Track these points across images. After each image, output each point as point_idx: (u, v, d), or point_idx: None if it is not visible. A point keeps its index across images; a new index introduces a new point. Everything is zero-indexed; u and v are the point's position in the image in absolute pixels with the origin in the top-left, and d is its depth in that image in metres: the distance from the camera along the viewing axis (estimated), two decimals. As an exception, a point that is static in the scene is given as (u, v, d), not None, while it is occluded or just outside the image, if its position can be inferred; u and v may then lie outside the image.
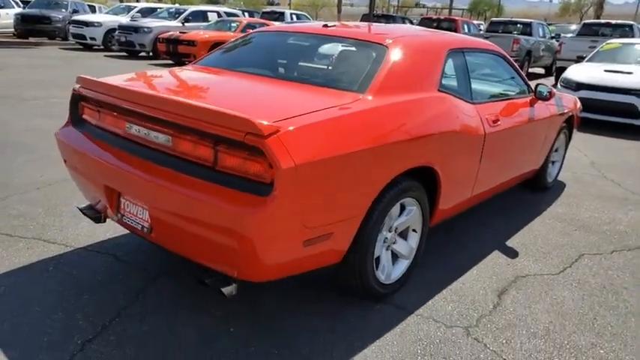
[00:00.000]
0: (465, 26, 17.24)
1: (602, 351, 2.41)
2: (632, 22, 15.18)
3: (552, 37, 16.64)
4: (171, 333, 2.36)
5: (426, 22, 17.40)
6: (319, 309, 2.60)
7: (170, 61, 14.20)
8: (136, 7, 18.59)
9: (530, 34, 15.31)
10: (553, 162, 4.74)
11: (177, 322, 2.44)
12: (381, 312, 2.61)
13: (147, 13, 17.54)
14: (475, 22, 20.86)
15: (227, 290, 2.15)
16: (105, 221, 2.82)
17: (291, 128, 2.00)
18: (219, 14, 16.90)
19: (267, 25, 15.72)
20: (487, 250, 3.42)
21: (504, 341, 2.44)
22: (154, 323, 2.42)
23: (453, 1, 34.38)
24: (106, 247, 3.15)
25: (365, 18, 19.69)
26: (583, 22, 15.85)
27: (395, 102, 2.50)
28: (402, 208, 2.67)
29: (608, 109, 7.87)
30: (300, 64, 3.06)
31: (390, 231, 2.64)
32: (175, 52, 13.63)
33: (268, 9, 24.30)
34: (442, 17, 19.46)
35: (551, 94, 3.82)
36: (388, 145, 2.33)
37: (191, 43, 13.33)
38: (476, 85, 3.27)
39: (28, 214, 3.53)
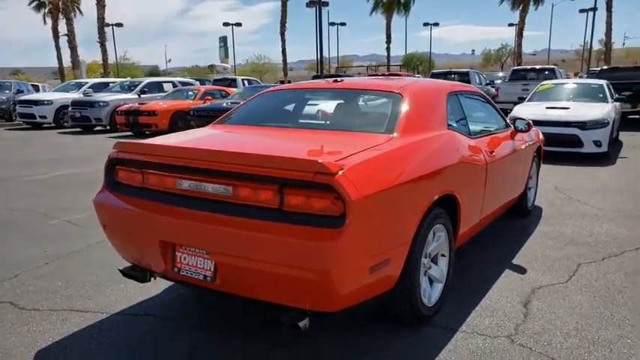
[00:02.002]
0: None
1: (629, 340, 2.69)
2: (553, 66, 16.88)
3: (487, 84, 18.11)
4: (242, 376, 2.43)
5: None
6: (373, 341, 2.75)
7: (130, 133, 14.21)
8: (87, 82, 18.57)
9: (468, 82, 16.60)
10: (529, 188, 5.20)
11: (244, 366, 2.51)
12: (429, 334, 2.79)
13: (99, 88, 17.58)
14: (416, 74, 22.36)
15: (302, 324, 2.28)
16: (150, 280, 2.88)
17: (351, 165, 2.24)
18: (174, 84, 17.21)
19: (226, 92, 16.18)
20: (498, 270, 3.70)
21: (545, 343, 2.67)
22: (222, 370, 2.48)
23: (389, 59, 36.75)
24: (142, 309, 3.17)
25: (315, 78, 20.61)
26: (512, 68, 17.42)
27: (419, 140, 2.82)
28: (433, 234, 2.92)
29: (555, 140, 8.62)
30: (325, 114, 3.35)
31: (425, 257, 2.87)
32: (136, 123, 13.69)
33: (219, 76, 24.92)
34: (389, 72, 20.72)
35: (529, 127, 4.30)
36: (425, 176, 2.62)
37: (152, 113, 13.46)
38: (469, 122, 3.67)
39: (49, 289, 3.49)
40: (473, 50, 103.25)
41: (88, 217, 5.32)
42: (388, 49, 38.04)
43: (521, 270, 3.70)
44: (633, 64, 31.19)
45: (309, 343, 2.72)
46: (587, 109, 8.84)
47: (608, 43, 26.83)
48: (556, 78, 15.74)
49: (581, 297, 3.23)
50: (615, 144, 9.83)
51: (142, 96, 16.15)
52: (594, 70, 26.23)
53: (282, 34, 36.81)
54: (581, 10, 41.13)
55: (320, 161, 2.15)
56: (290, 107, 3.51)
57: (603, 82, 10.41)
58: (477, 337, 2.75)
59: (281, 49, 37.60)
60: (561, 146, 8.62)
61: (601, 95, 9.77)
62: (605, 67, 16.90)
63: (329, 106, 3.45)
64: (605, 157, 8.59)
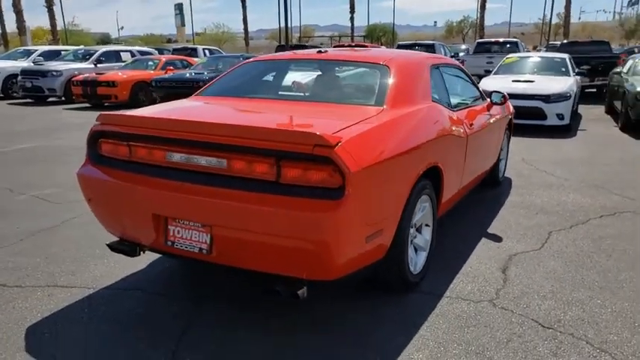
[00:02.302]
0: (373, 51, 18.44)
1: (598, 301, 2.89)
2: (516, 40, 17.20)
3: (452, 56, 18.29)
4: (239, 352, 2.48)
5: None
6: (363, 309, 2.84)
7: (87, 105, 13.69)
8: (36, 50, 17.62)
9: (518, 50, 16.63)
10: (500, 159, 5.38)
11: (240, 340, 2.56)
12: (416, 300, 2.91)
13: (50, 56, 16.74)
14: (380, 46, 22.24)
15: (301, 292, 2.34)
16: (139, 254, 2.86)
17: (349, 138, 2.27)
18: (132, 53, 16.59)
19: (188, 62, 15.72)
20: (475, 239, 3.86)
21: (525, 306, 2.83)
22: (219, 343, 2.52)
23: (353, 29, 36.52)
24: (129, 284, 3.15)
25: (280, 49, 20.29)
26: (477, 41, 17.65)
27: (408, 112, 2.87)
28: (419, 205, 3.01)
29: (520, 113, 8.87)
30: (313, 86, 3.34)
31: (412, 227, 2.96)
32: (94, 94, 13.20)
33: (179, 45, 24.14)
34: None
35: (505, 100, 4.42)
36: (415, 148, 2.69)
37: (111, 84, 12.99)
38: (450, 95, 3.74)
39: (28, 265, 3.40)
40: (435, 22, 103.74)
41: (57, 192, 5.18)
42: (352, 19, 37.73)
43: (497, 238, 3.86)
44: (589, 38, 32.19)
45: (301, 312, 2.78)
46: (551, 82, 9.12)
47: (567, 17, 27.53)
48: (519, 51, 16.07)
49: (554, 263, 3.42)
50: (575, 117, 10.20)
51: (98, 65, 15.52)
52: (554, 44, 26.94)
53: (243, 1, 35.90)
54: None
55: (319, 134, 2.17)
56: (276, 78, 3.48)
57: (566, 56, 10.73)
58: (461, 302, 2.88)
59: (242, 17, 36.71)
60: (526, 119, 8.88)
61: (564, 69, 10.09)
62: (565, 42, 17.40)
63: (315, 77, 3.44)
64: (566, 130, 8.94)
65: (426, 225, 3.17)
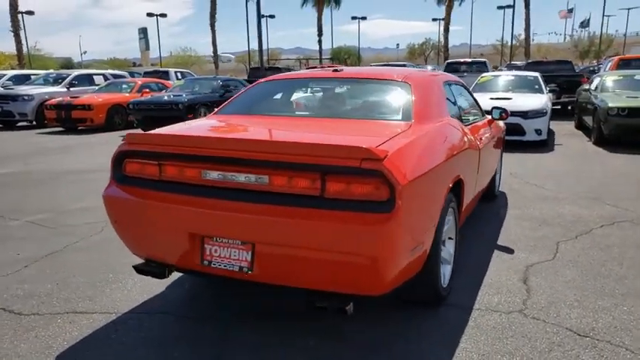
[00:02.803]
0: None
1: (625, 307, 2.97)
2: (484, 60, 17.82)
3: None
4: (285, 366, 2.42)
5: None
6: (399, 324, 2.83)
7: (60, 129, 13.33)
8: (5, 74, 17.12)
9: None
10: (496, 173, 5.51)
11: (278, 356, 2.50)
12: (448, 313, 2.92)
13: (19, 80, 16.29)
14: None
15: (348, 308, 2.31)
16: (168, 276, 2.78)
17: (394, 151, 2.29)
18: (105, 77, 16.31)
19: (163, 85, 15.56)
20: (487, 251, 3.92)
21: (555, 315, 2.88)
22: (262, 361, 2.46)
23: (321, 52, 37.10)
24: (152, 308, 3.05)
25: (254, 71, 20.36)
26: (446, 61, 18.17)
27: (435, 127, 2.93)
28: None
29: (500, 129, 9.17)
30: (337, 103, 3.36)
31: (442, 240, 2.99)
32: (68, 118, 12.87)
33: (150, 69, 23.89)
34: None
35: (506, 115, 4.56)
36: (446, 162, 2.74)
37: (87, 107, 12.72)
38: (460, 111, 3.84)
39: (40, 292, 3.25)
40: (397, 44, 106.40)
41: (50, 217, 5.00)
42: (320, 42, 38.30)
43: (509, 250, 3.93)
44: (543, 58, 33.61)
45: (336, 327, 2.75)
46: (528, 99, 9.45)
47: (527, 38, 28.85)
48: (487, 70, 16.63)
49: (570, 272, 3.50)
50: (549, 132, 10.58)
51: (71, 89, 15.20)
52: (514, 64, 28.01)
53: (212, 25, 35.96)
54: (499, 7, 43.71)
55: (367, 147, 2.18)
56: (298, 97, 3.49)
57: (537, 74, 11.16)
58: (492, 314, 2.91)
59: (210, 40, 36.75)
60: (507, 135, 9.15)
61: (537, 87, 10.49)
62: (530, 61, 18.12)
63: (337, 95, 3.47)
64: (544, 145, 9.25)
65: (449, 238, 3.20)
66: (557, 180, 6.48)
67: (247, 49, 43.08)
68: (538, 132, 9.03)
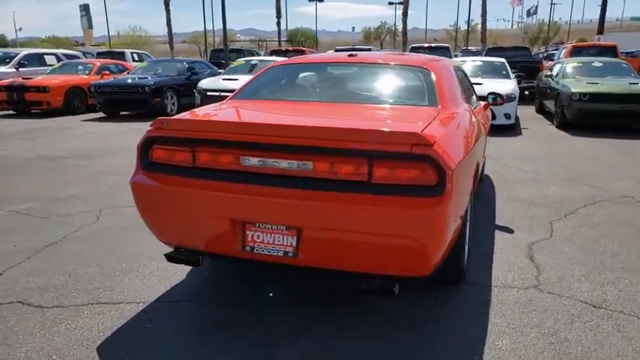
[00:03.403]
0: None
1: (626, 280, 3.21)
2: (447, 45, 18.19)
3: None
4: (333, 352, 2.49)
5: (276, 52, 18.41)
6: (427, 303, 2.94)
7: (12, 112, 12.63)
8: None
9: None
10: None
11: (327, 339, 2.56)
12: (470, 291, 3.07)
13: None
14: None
15: (395, 290, 2.39)
16: (201, 263, 2.76)
17: (439, 136, 2.36)
18: (58, 57, 15.50)
19: (124, 66, 14.99)
20: (489, 231, 4.10)
21: (567, 289, 3.08)
22: (308, 345, 2.51)
23: (280, 33, 36.59)
24: (180, 296, 3.03)
25: (216, 53, 19.89)
26: (411, 46, 18.42)
27: (459, 112, 3.02)
28: (466, 200, 3.17)
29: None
30: (361, 88, 3.39)
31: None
32: (22, 100, 12.21)
33: (104, 49, 22.85)
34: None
35: (502, 101, 4.73)
36: (474, 145, 2.84)
37: (42, 89, 12.08)
38: (467, 96, 3.96)
39: (55, 284, 3.16)
40: (353, 28, 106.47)
41: (38, 206, 4.81)
42: (279, 24, 37.68)
43: (509, 230, 4.13)
44: (493, 44, 34.61)
45: (371, 310, 2.83)
46: (498, 84, 9.77)
47: (484, 24, 29.62)
48: (450, 56, 17.02)
49: (569, 249, 3.73)
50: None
51: (20, 70, 14.40)
52: (469, 50, 28.75)
53: (167, 3, 34.67)
54: (454, -7, 44.56)
55: (418, 133, 2.24)
56: (320, 82, 3.49)
57: (503, 60, 11.54)
58: (511, 290, 3.07)
59: (165, 20, 35.45)
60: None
61: (504, 72, 10.86)
62: (490, 47, 18.66)
63: (359, 80, 3.50)
64: (512, 128, 9.63)
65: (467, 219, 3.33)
66: (533, 162, 6.79)
67: (203, 29, 41.98)
68: (507, 116, 9.38)
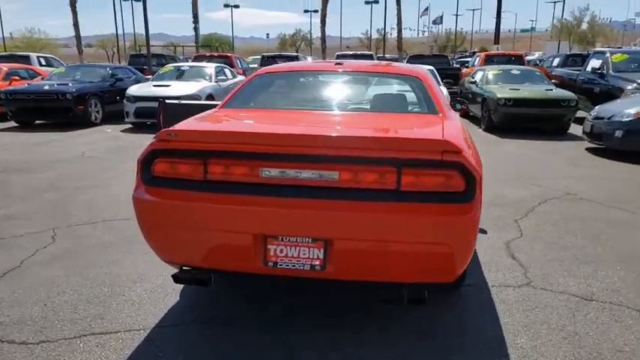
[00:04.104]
0: (238, 61, 18.44)
1: (602, 272, 3.45)
2: (371, 52, 18.75)
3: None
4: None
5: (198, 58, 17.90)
6: (433, 308, 2.98)
7: None
8: None
9: (298, 65, 17.33)
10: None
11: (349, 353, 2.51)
12: (470, 292, 3.15)
13: None
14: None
15: (426, 297, 2.40)
16: (212, 283, 2.58)
17: (461, 144, 2.40)
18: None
19: (35, 71, 13.80)
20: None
21: (557, 284, 3.26)
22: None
23: (198, 38, 35.62)
24: (175, 319, 2.82)
25: (135, 58, 18.91)
26: (336, 54, 18.72)
27: (456, 119, 3.10)
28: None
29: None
30: (361, 97, 3.35)
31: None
32: None
33: (5, 53, 20.80)
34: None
35: (466, 106, 4.93)
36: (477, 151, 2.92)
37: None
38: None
39: (31, 316, 2.82)
40: (267, 34, 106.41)
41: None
42: (196, 29, 36.60)
43: (481, 230, 4.30)
44: (403, 52, 36.24)
45: (386, 319, 2.82)
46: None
47: (399, 32, 30.90)
48: (375, 63, 17.55)
49: (541, 246, 3.96)
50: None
51: None
52: (385, 58, 29.83)
53: (73, 4, 32.53)
54: (367, 2, 46.08)
55: (448, 140, 2.27)
56: (315, 90, 3.41)
57: (432, 67, 12.07)
58: (507, 289, 3.20)
59: (71, 22, 33.24)
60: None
61: (435, 79, 11.35)
62: (412, 54, 19.49)
63: (358, 88, 3.46)
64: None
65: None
66: (477, 164, 7.14)
67: (115, 32, 39.75)
68: (442, 121, 9.82)
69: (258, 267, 2.43)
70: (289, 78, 3.63)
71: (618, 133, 7.39)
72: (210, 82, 11.95)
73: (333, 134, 2.40)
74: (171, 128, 2.52)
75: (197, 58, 19.02)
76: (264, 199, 2.34)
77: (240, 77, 14.39)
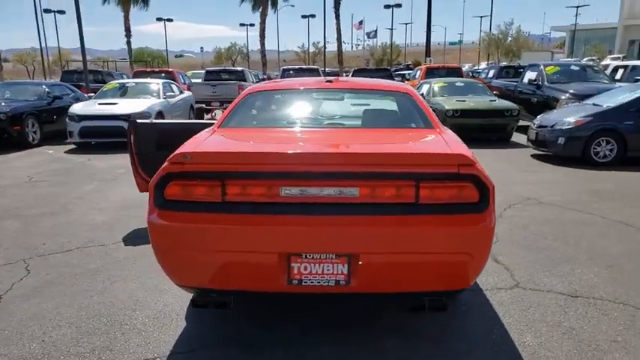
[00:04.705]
0: (181, 76, 18.11)
1: (578, 270, 3.72)
2: (317, 67, 19.01)
3: (259, 81, 19.16)
4: None
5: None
6: (437, 317, 3.11)
7: None
8: None
9: (244, 80, 17.26)
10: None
11: None
12: (466, 296, 3.30)
13: None
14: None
15: (446, 304, 2.51)
16: (232, 305, 2.56)
17: (472, 156, 2.55)
18: None
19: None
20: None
21: (543, 284, 3.49)
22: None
23: (131, 53, 34.48)
24: (191, 344, 2.76)
25: (67, 75, 18.08)
26: (282, 68, 18.83)
27: (448, 132, 3.26)
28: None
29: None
30: (357, 113, 3.43)
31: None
32: None
33: None
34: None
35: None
36: None
37: None
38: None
39: (32, 354, 2.67)
40: (202, 47, 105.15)
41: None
42: (129, 43, 35.44)
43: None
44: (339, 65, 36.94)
45: (396, 327, 2.90)
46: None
47: (339, 46, 31.57)
48: (320, 76, 17.82)
49: (518, 249, 4.21)
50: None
51: None
52: (325, 72, 30.35)
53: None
54: (304, 16, 46.77)
55: (463, 154, 2.40)
56: (310, 108, 3.45)
57: (380, 81, 12.46)
58: (500, 292, 3.39)
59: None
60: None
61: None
62: (356, 68, 19.97)
63: (354, 105, 3.54)
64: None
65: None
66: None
67: (38, 45, 37.59)
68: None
69: (282, 286, 2.44)
70: (284, 96, 3.66)
71: (561, 140, 7.97)
72: (159, 98, 11.64)
73: (354, 151, 2.47)
74: (183, 151, 2.48)
75: (137, 74, 18.44)
76: (287, 218, 2.37)
77: (187, 93, 14.15)
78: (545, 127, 8.39)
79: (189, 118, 13.08)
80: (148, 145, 4.77)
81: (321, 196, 2.39)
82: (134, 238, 4.50)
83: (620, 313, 3.06)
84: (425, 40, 28.58)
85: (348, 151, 2.49)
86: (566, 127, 8.00)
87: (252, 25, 50.43)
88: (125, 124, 10.29)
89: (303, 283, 2.44)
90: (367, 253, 2.40)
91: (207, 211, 2.42)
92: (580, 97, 9.91)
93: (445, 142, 2.76)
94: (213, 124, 4.85)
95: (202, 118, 14.27)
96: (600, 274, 3.65)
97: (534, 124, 8.84)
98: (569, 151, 7.94)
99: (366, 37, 77.85)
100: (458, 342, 2.78)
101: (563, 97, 10.50)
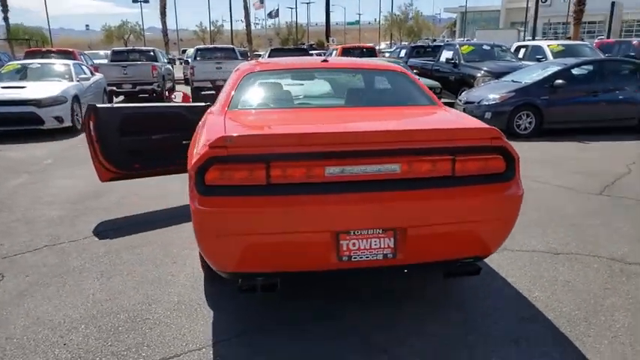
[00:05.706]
0: (83, 57, 16.70)
1: (549, 230, 4.15)
2: (233, 46, 18.45)
3: (169, 62, 18.24)
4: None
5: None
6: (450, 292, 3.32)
7: None
8: None
9: (156, 60, 16.35)
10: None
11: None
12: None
13: None
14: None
15: (480, 268, 2.70)
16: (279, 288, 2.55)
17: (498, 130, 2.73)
18: None
19: None
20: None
21: (526, 245, 3.84)
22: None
23: (9, 31, 30.68)
24: (228, 332, 2.71)
25: (30, 55, 15.93)
26: (197, 47, 18.04)
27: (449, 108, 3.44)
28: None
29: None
30: (363, 92, 3.45)
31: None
32: None
33: None
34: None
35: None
36: None
37: None
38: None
39: (58, 358, 2.43)
40: (87, 25, 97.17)
41: None
42: (6, 19, 31.50)
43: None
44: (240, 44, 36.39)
45: (424, 303, 3.06)
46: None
47: (248, 25, 30.83)
48: (237, 57, 17.36)
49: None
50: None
51: None
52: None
53: None
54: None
55: (494, 128, 2.58)
56: (318, 87, 3.41)
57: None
58: (493, 256, 3.66)
59: None
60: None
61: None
62: (273, 48, 19.74)
63: (353, 84, 3.56)
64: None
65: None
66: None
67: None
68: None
69: (333, 263, 2.48)
70: (285, 76, 3.60)
71: (488, 115, 8.61)
72: (72, 81, 10.68)
73: (395, 129, 2.54)
74: (225, 135, 2.38)
75: (29, 55, 16.67)
76: (333, 197, 2.41)
77: (99, 75, 13.10)
78: (472, 102, 9.01)
79: (102, 103, 12.17)
80: (111, 131, 4.45)
81: (364, 174, 2.44)
82: (107, 231, 4.21)
83: (599, 264, 3.49)
84: (325, 20, 28.96)
85: (390, 129, 2.55)
86: (492, 103, 8.66)
87: (146, 1, 47.50)
88: (36, 110, 9.40)
89: (353, 259, 2.49)
90: (412, 225, 2.51)
91: (253, 194, 2.37)
92: (495, 75, 10.74)
93: (461, 117, 2.93)
94: (182, 106, 4.65)
95: (112, 102, 13.31)
96: (569, 233, 4.10)
97: (460, 100, 9.45)
98: (496, 123, 8.56)
99: (267, 16, 76.80)
100: (478, 300, 3.01)
101: (479, 75, 11.29)
